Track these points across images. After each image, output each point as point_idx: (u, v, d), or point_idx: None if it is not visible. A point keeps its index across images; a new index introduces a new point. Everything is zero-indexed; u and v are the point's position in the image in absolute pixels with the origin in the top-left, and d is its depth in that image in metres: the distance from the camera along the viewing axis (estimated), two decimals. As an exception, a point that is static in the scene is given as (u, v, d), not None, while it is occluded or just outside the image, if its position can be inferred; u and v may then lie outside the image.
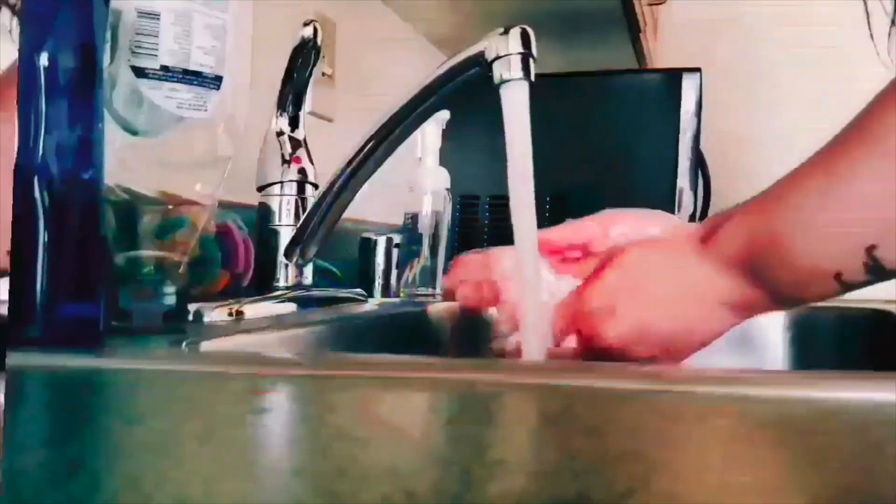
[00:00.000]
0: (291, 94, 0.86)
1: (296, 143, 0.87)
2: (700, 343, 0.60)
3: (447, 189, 1.03)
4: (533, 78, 0.64)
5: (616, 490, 0.25)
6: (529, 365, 0.54)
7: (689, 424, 0.33)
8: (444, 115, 1.01)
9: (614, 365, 0.58)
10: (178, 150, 0.56)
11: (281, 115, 0.86)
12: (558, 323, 0.64)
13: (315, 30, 0.82)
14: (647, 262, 0.62)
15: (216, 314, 0.64)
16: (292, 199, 0.87)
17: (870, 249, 0.51)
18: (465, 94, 0.71)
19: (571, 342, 0.64)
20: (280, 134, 0.87)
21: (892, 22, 0.61)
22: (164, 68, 0.54)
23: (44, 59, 0.46)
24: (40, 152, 0.46)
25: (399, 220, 1.04)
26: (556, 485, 0.25)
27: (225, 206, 0.81)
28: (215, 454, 0.29)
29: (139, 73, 0.53)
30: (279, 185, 0.87)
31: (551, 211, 1.23)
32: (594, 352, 0.61)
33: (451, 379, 0.42)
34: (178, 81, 0.54)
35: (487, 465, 0.26)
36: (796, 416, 0.34)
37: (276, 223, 0.87)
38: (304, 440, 0.31)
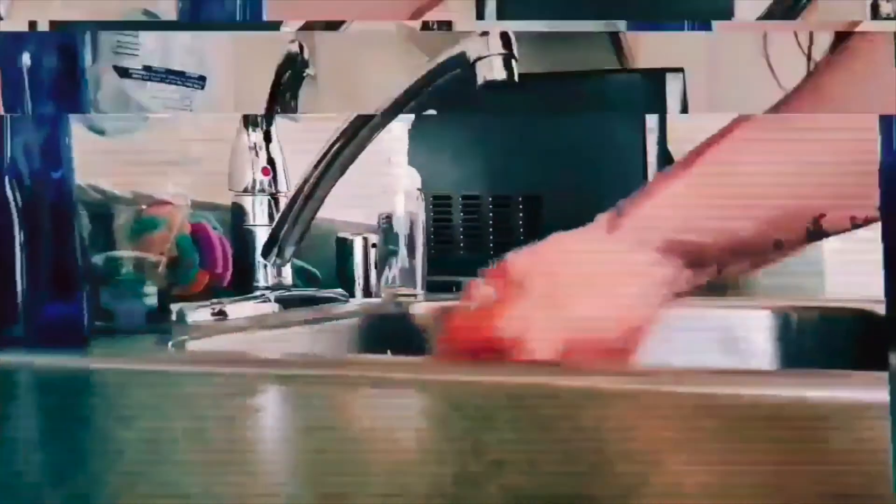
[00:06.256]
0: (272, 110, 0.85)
1: (270, 160, 0.86)
2: (638, 331, 0.53)
3: (419, 189, 1.03)
4: (517, 78, 0.64)
5: (615, 490, 0.25)
6: (527, 365, 0.53)
7: (687, 424, 0.33)
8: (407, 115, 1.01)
9: (614, 365, 0.57)
10: (148, 151, 0.56)
11: (254, 130, 0.85)
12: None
13: (301, 47, 0.81)
14: (550, 263, 0.54)
15: (199, 314, 0.64)
16: (265, 199, 0.86)
17: (818, 219, 0.49)
18: (435, 94, 0.71)
19: None
20: (253, 148, 0.85)
21: (808, 57, 0.60)
22: (147, 68, 0.54)
23: (26, 59, 0.45)
24: (8, 152, 0.46)
25: (373, 221, 1.03)
26: (555, 485, 0.25)
27: (198, 206, 0.80)
28: (202, 453, 0.29)
29: (123, 72, 0.53)
30: (251, 184, 0.86)
31: (525, 211, 1.23)
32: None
33: (441, 380, 0.42)
34: (161, 81, 0.54)
35: (484, 465, 0.27)
36: (794, 415, 0.34)
37: (251, 223, 0.86)
38: (291, 439, 0.32)
